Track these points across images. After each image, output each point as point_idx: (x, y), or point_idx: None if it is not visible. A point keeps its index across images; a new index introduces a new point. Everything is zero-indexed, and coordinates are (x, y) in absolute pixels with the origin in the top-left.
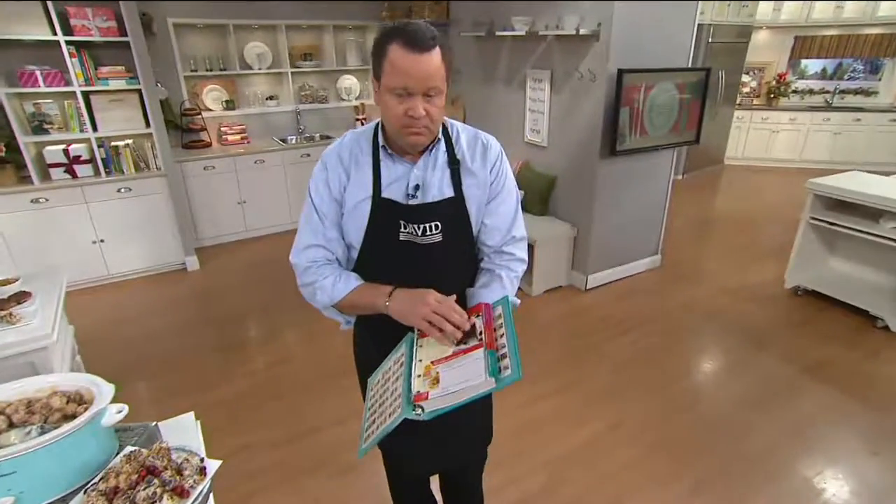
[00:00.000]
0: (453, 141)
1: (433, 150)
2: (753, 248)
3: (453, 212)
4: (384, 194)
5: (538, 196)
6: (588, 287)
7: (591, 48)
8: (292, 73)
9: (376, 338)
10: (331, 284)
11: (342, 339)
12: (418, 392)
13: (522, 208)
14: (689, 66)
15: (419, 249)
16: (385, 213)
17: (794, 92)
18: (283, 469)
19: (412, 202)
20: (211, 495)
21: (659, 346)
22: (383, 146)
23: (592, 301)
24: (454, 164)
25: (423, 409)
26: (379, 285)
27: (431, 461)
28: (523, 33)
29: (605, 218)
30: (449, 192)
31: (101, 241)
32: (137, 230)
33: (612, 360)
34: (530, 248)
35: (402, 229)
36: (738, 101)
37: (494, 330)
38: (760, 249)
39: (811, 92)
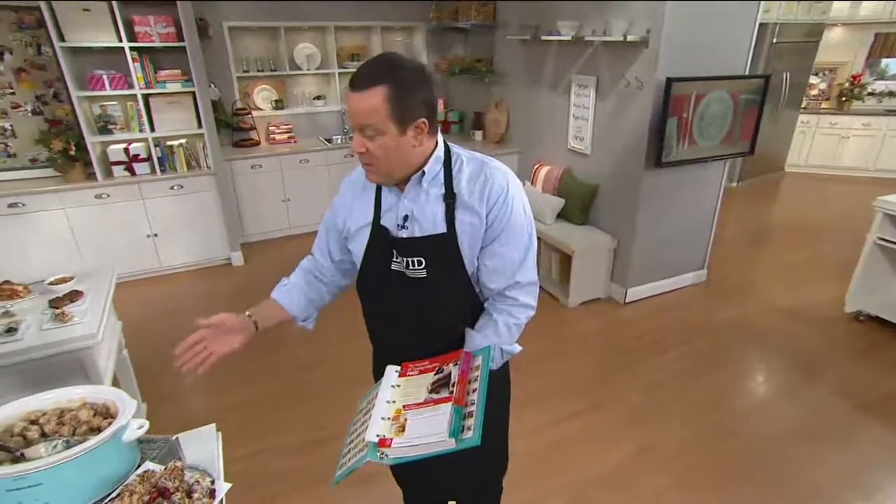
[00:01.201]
0: (454, 174)
1: (422, 182)
2: (811, 264)
3: (443, 249)
4: (382, 221)
5: (579, 205)
6: (627, 301)
7: (640, 55)
8: (339, 73)
9: (376, 354)
10: (277, 287)
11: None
12: (383, 437)
13: (563, 217)
14: (748, 70)
15: (409, 281)
16: (380, 241)
17: (871, 94)
18: (305, 473)
19: (402, 234)
20: None
21: (699, 367)
22: None
23: (631, 316)
24: (450, 198)
25: (386, 455)
26: (261, 307)
27: (434, 491)
28: (569, 38)
29: (648, 230)
30: (441, 228)
31: (155, 235)
32: (187, 226)
33: (647, 380)
34: (568, 258)
35: (394, 259)
36: (803, 105)
37: (469, 382)
38: (819, 266)
39: (891, 94)
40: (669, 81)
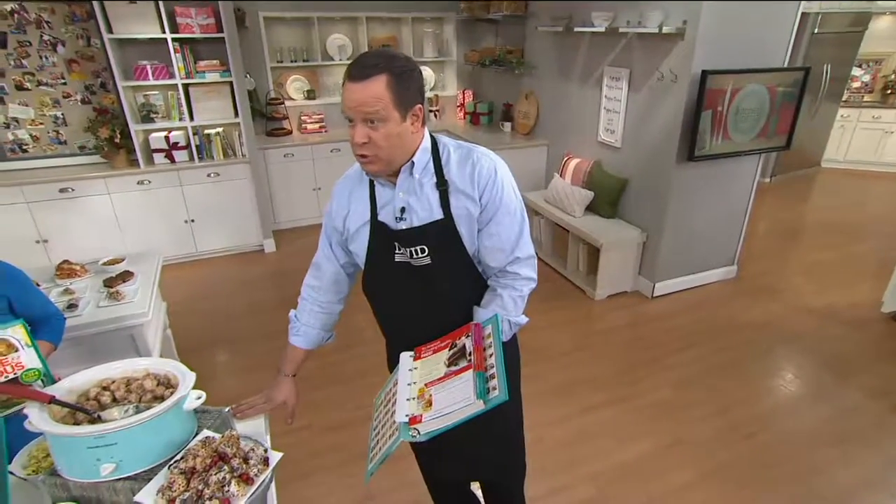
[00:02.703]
0: (443, 162)
1: (413, 172)
2: (847, 263)
3: (443, 234)
4: (379, 217)
5: (608, 198)
6: (655, 295)
7: (675, 47)
8: None
9: (390, 347)
10: (292, 332)
11: None
12: (413, 415)
13: (591, 210)
14: (787, 62)
15: (415, 271)
16: (381, 237)
17: None
18: (341, 452)
19: (401, 225)
20: (273, 483)
21: (726, 364)
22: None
23: (658, 310)
24: (443, 185)
25: (418, 432)
26: (289, 360)
27: (456, 470)
28: (603, 29)
29: (677, 224)
30: (438, 215)
31: (192, 220)
32: (223, 212)
33: (674, 375)
34: (596, 250)
35: (397, 251)
36: (844, 98)
37: (484, 350)
38: (855, 266)
39: None
40: (705, 74)
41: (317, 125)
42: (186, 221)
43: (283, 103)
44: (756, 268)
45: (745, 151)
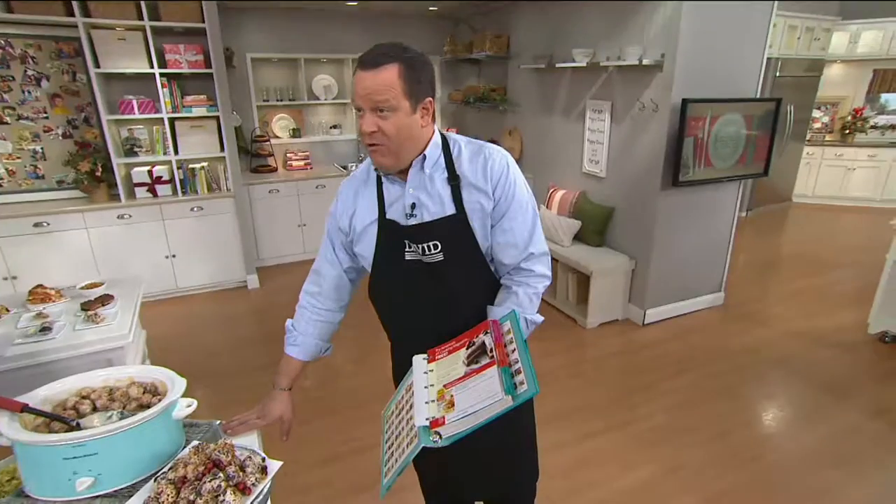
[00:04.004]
0: (454, 157)
1: (424, 167)
2: (828, 290)
3: (455, 229)
4: (388, 215)
5: (595, 227)
6: (646, 322)
7: (654, 78)
8: None
9: (398, 355)
10: (288, 342)
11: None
12: (434, 418)
13: (578, 239)
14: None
15: (426, 268)
16: (390, 235)
17: (874, 128)
18: (330, 487)
19: (412, 222)
20: (269, 497)
21: (721, 389)
22: (376, 168)
23: (650, 337)
24: (454, 180)
25: (440, 436)
26: (285, 372)
27: (469, 480)
28: (584, 64)
29: (664, 251)
30: (451, 210)
31: (173, 256)
32: (205, 248)
33: (668, 401)
34: (586, 279)
35: (407, 248)
36: (808, 137)
37: (505, 346)
38: (836, 293)
39: (893, 128)
40: (685, 103)
41: (302, 162)
42: (167, 257)
43: (268, 141)
44: (741, 295)
45: (726, 177)
